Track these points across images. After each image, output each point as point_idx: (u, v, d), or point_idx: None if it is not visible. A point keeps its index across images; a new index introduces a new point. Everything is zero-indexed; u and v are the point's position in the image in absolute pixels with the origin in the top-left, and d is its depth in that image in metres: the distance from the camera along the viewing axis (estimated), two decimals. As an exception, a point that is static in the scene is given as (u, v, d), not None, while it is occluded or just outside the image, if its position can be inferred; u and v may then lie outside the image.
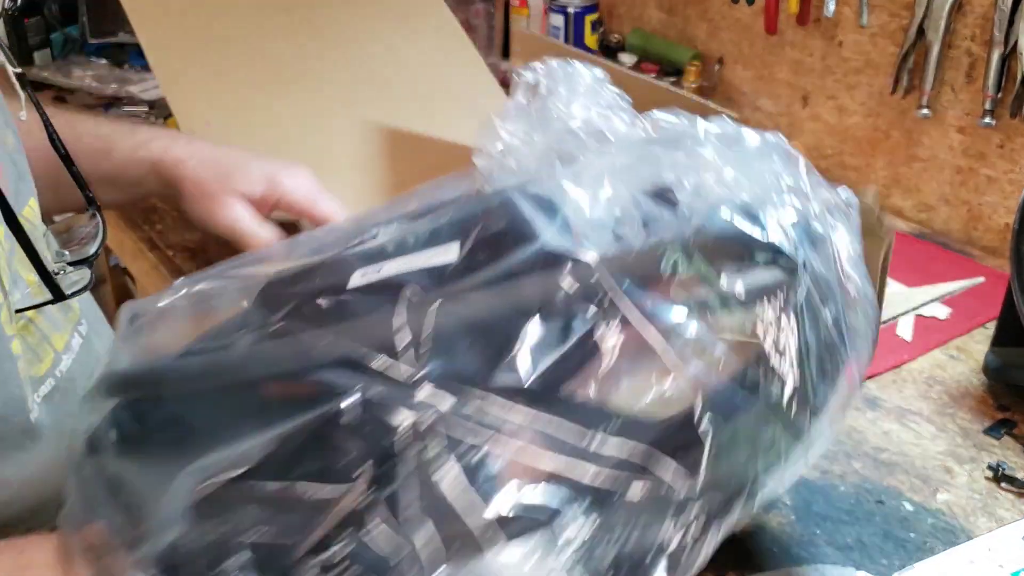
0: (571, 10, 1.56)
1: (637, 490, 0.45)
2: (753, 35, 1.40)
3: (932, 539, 0.72)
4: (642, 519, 0.45)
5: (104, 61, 1.58)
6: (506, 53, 1.68)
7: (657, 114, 0.60)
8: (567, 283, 0.47)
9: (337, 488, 0.43)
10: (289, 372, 0.46)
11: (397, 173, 1.06)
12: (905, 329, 0.99)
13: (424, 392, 0.44)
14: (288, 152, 1.03)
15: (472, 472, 0.43)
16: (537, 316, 0.46)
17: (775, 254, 0.50)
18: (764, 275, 0.50)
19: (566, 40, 1.56)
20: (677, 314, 0.47)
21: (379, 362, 0.45)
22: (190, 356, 0.50)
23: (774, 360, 0.49)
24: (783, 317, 0.49)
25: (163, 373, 0.50)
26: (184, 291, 0.53)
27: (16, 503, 0.62)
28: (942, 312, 1.02)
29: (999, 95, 1.10)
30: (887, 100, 1.23)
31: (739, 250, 0.50)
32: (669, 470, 0.45)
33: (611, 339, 0.46)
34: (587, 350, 0.46)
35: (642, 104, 0.87)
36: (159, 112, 1.40)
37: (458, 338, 0.46)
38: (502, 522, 0.43)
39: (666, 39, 1.55)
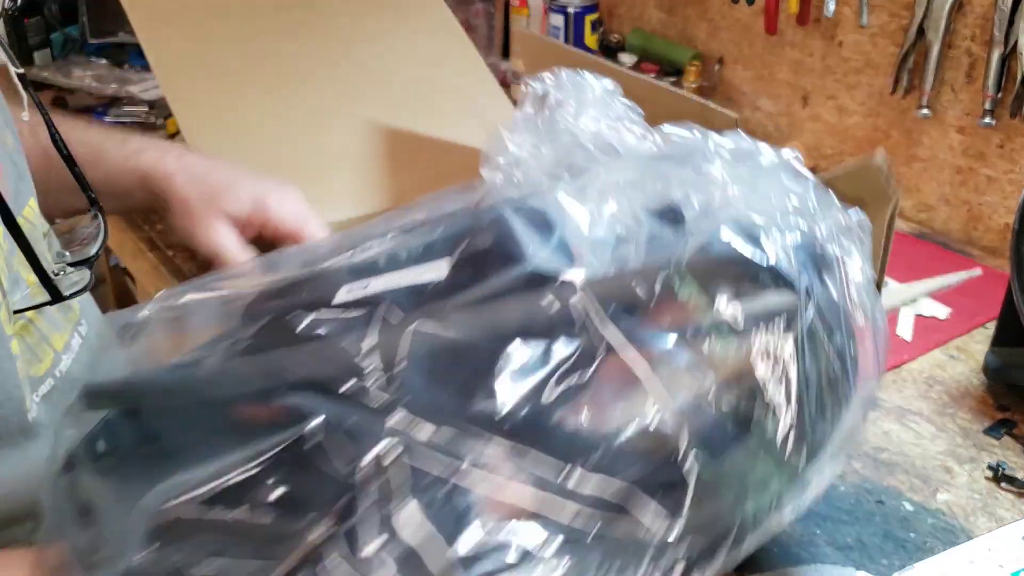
0: (571, 10, 1.56)
1: (614, 531, 0.42)
2: (753, 35, 1.40)
3: (932, 539, 0.72)
4: (617, 563, 0.43)
5: (104, 61, 1.58)
6: (506, 53, 1.68)
7: (669, 128, 0.58)
8: (550, 306, 0.45)
9: (295, 520, 0.41)
10: (258, 392, 0.45)
11: (397, 173, 1.06)
12: (905, 329, 0.99)
13: (393, 421, 0.42)
14: (288, 152, 1.04)
15: (437, 508, 0.41)
16: (517, 341, 0.44)
17: (776, 279, 0.48)
18: (763, 301, 0.48)
19: (566, 40, 1.56)
20: (666, 341, 0.45)
21: (349, 386, 0.43)
22: (170, 370, 0.49)
23: (770, 393, 0.46)
24: (781, 347, 0.47)
25: (139, 387, 0.49)
26: (168, 302, 0.52)
27: (12, 500, 0.62)
28: (942, 312, 1.02)
29: (999, 95, 1.10)
30: (887, 100, 1.23)
31: (738, 273, 0.48)
32: (649, 511, 0.43)
33: (594, 367, 0.44)
34: (568, 378, 0.44)
35: (642, 104, 0.87)
36: (159, 112, 1.40)
37: (433, 363, 0.44)
38: (466, 562, 0.41)
39: (666, 39, 1.55)
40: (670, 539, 0.43)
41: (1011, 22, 1.06)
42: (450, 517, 0.41)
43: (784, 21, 1.34)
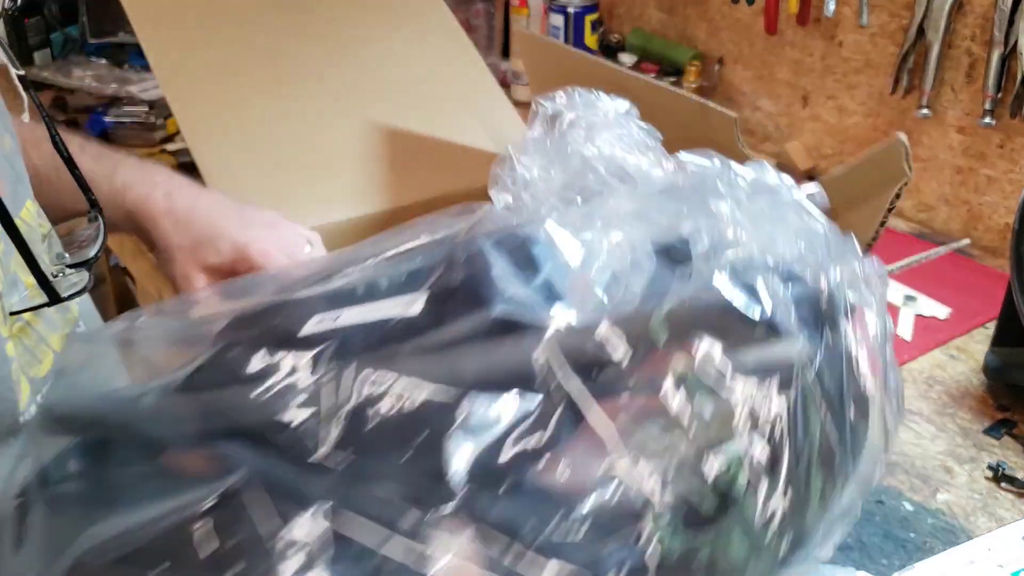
0: (571, 10, 1.56)
1: None
2: (753, 35, 1.40)
3: (932, 539, 0.72)
4: None
5: (104, 61, 1.58)
6: (506, 53, 1.68)
7: (686, 156, 0.54)
8: (513, 357, 0.41)
9: None
10: (193, 436, 0.43)
11: (397, 173, 1.06)
12: (905, 329, 0.99)
13: (325, 481, 0.39)
14: (288, 152, 1.04)
15: None
16: (472, 395, 0.40)
17: (772, 334, 0.44)
18: (754, 359, 0.43)
19: (566, 40, 1.56)
20: (638, 401, 0.41)
21: (285, 437, 0.40)
22: (118, 399, 0.47)
23: (753, 467, 0.41)
24: (771, 412, 0.42)
25: (86, 417, 0.47)
26: (134, 322, 0.50)
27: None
28: (942, 312, 1.02)
29: (999, 95, 1.10)
30: (887, 100, 1.23)
31: (730, 326, 0.44)
32: None
33: (551, 428, 0.40)
34: (525, 439, 0.40)
35: (642, 104, 0.86)
36: (159, 112, 1.40)
37: (380, 417, 0.41)
38: None
39: (666, 39, 1.55)
40: None
41: (1011, 22, 1.06)
42: None
43: (784, 21, 1.34)
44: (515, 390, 0.41)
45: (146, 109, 1.42)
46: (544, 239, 0.47)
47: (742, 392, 0.42)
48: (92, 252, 0.61)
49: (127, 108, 1.43)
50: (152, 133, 1.39)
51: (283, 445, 0.41)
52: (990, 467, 0.79)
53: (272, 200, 0.99)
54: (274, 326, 0.47)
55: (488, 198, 0.57)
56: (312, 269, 0.53)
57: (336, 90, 1.11)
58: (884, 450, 0.49)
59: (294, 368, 0.43)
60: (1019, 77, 1.07)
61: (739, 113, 1.34)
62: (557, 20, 1.57)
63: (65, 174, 0.63)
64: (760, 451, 0.42)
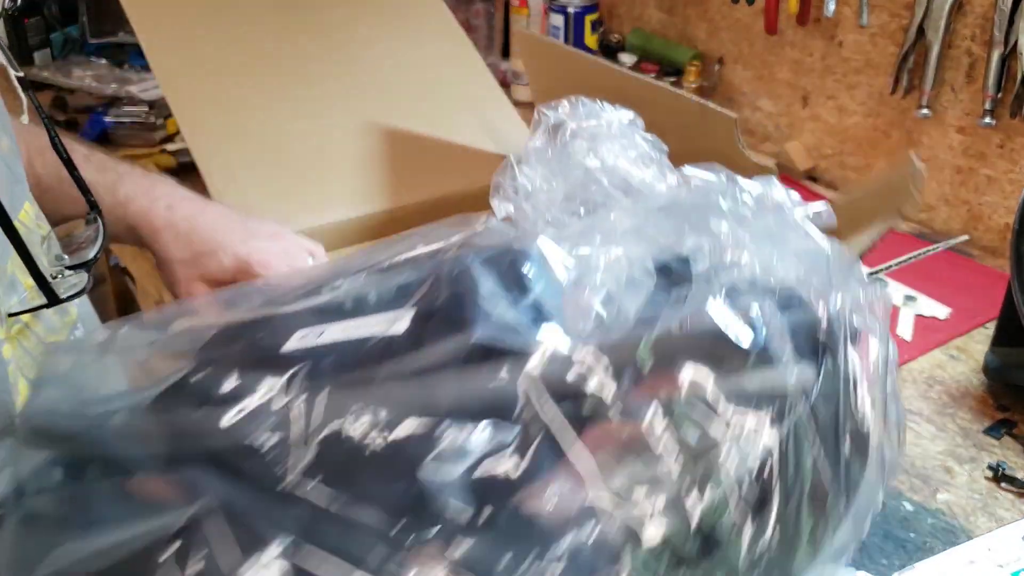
0: (571, 10, 1.56)
1: None
2: (753, 35, 1.40)
3: (932, 539, 0.72)
4: None
5: (104, 61, 1.58)
6: (506, 53, 1.68)
7: (691, 170, 0.53)
8: (491, 385, 0.40)
9: None
10: (161, 458, 0.42)
11: (397, 173, 1.06)
12: (905, 329, 0.99)
13: (291, 512, 0.38)
14: (288, 152, 1.04)
15: None
16: (446, 424, 0.39)
17: (764, 364, 0.42)
18: (744, 391, 0.41)
19: (566, 40, 1.56)
20: (619, 436, 0.39)
21: (252, 464, 0.39)
22: (92, 416, 0.46)
23: (739, 506, 0.39)
24: (761, 448, 0.40)
25: (60, 432, 0.46)
26: (116, 332, 0.49)
27: None
28: (942, 312, 1.02)
29: (999, 95, 1.10)
30: (887, 100, 1.23)
31: (722, 355, 0.42)
32: None
33: (527, 460, 0.38)
34: (500, 473, 0.39)
35: (642, 104, 0.86)
36: (159, 112, 1.40)
37: (350, 446, 0.39)
38: None
39: (666, 39, 1.55)
40: None
41: (1011, 22, 1.06)
42: None
43: (784, 21, 1.34)
44: (492, 421, 0.39)
45: (146, 109, 1.42)
46: (536, 256, 0.46)
47: (731, 426, 0.40)
48: (91, 253, 0.61)
49: (127, 108, 1.43)
50: (152, 133, 1.39)
51: (250, 471, 0.39)
52: (990, 467, 0.79)
53: (272, 200, 0.99)
54: (257, 340, 0.46)
55: (488, 199, 0.57)
56: (304, 279, 0.52)
57: (336, 90, 1.11)
58: (882, 487, 0.47)
59: (266, 391, 0.42)
60: (1019, 77, 1.07)
61: (739, 113, 1.34)
62: (557, 20, 1.57)
63: (68, 182, 0.63)
64: (748, 489, 0.40)
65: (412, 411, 0.40)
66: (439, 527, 0.38)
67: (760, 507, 0.40)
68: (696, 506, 0.39)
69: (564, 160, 0.54)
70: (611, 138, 0.54)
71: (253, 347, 0.46)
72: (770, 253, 0.46)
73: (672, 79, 1.49)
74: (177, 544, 0.38)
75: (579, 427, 0.39)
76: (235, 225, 0.80)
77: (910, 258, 1.01)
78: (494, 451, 0.39)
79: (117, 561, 0.39)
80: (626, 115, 0.57)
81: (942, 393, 0.89)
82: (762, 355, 0.42)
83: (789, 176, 1.33)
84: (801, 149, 1.36)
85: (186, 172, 1.19)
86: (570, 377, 0.40)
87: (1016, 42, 1.06)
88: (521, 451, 0.39)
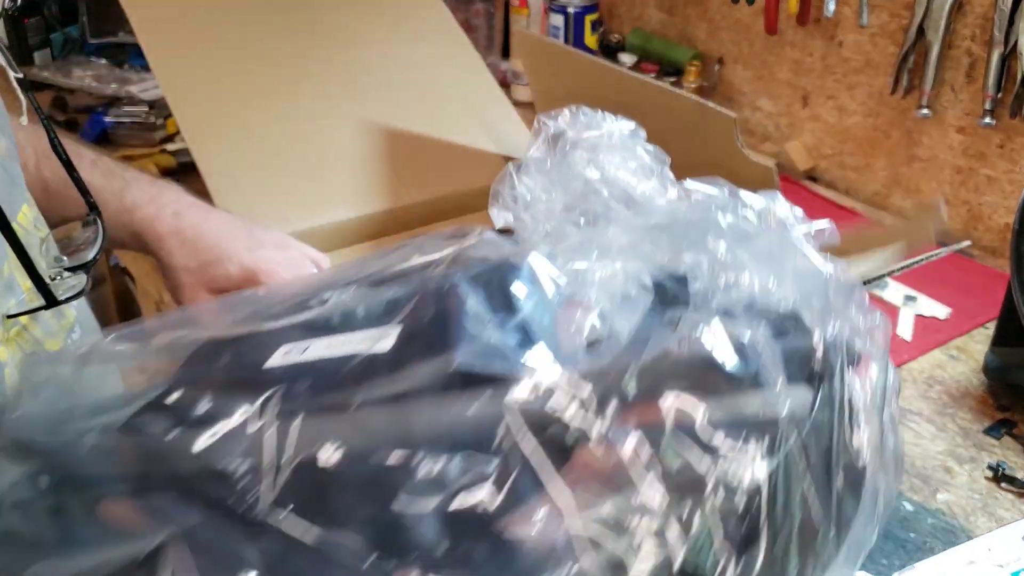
0: (571, 10, 1.56)
1: None
2: (753, 35, 1.40)
3: (932, 539, 0.72)
4: None
5: (104, 61, 1.58)
6: (506, 53, 1.68)
7: (692, 184, 0.52)
8: (468, 415, 0.38)
9: None
10: (131, 481, 0.41)
11: (396, 173, 1.06)
12: (905, 329, 0.99)
13: (259, 544, 0.37)
14: (288, 152, 1.04)
15: None
16: (420, 456, 0.38)
17: (754, 394, 0.40)
18: (733, 422, 0.39)
19: (566, 40, 1.56)
20: (600, 470, 0.37)
21: (218, 489, 0.38)
22: (68, 433, 0.45)
23: (723, 544, 0.38)
24: (748, 483, 0.38)
25: (37, 448, 0.45)
26: (98, 344, 0.48)
27: None
28: (942, 312, 1.02)
29: (999, 95, 1.10)
30: (887, 100, 1.23)
31: (710, 383, 0.40)
32: None
33: (502, 495, 0.37)
34: (475, 507, 0.37)
35: (642, 104, 0.86)
36: (159, 112, 1.40)
37: (321, 474, 0.38)
38: None
39: (666, 39, 1.55)
40: None
41: (1011, 22, 1.06)
42: None
43: (784, 21, 1.34)
44: (469, 452, 0.38)
45: (146, 109, 1.42)
46: (527, 274, 0.44)
47: (718, 459, 0.39)
48: (90, 255, 0.60)
49: (127, 108, 1.43)
50: (152, 133, 1.39)
51: (221, 499, 0.39)
52: (990, 467, 0.79)
53: (272, 200, 0.99)
54: (241, 355, 0.45)
55: (487, 199, 0.57)
56: (298, 289, 0.52)
57: (335, 90, 1.11)
58: (876, 523, 0.45)
59: (241, 415, 0.41)
60: (1019, 77, 1.07)
61: (739, 113, 1.34)
62: (557, 20, 1.57)
63: (68, 187, 0.63)
64: (734, 527, 0.38)
65: (388, 440, 0.39)
66: (413, 561, 0.37)
67: (746, 546, 0.39)
68: (679, 544, 0.37)
69: (564, 171, 0.53)
70: (612, 149, 0.53)
71: (236, 363, 0.45)
72: (769, 274, 0.45)
73: (672, 79, 1.49)
74: (142, 574, 0.37)
75: (561, 458, 0.38)
76: (241, 233, 0.79)
77: (914, 263, 1.01)
78: (471, 483, 0.38)
79: None
80: (627, 125, 0.55)
81: (942, 393, 0.89)
82: (754, 384, 0.41)
83: (789, 176, 1.33)
84: (801, 149, 1.36)
85: (186, 172, 1.19)
86: (553, 406, 0.39)
87: (1016, 42, 1.06)
88: (499, 483, 0.37)
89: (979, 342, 0.96)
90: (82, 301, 0.69)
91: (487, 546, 0.37)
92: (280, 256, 0.79)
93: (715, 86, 1.48)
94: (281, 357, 0.44)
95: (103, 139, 1.38)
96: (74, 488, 0.42)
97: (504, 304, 0.43)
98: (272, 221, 0.96)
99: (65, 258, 0.59)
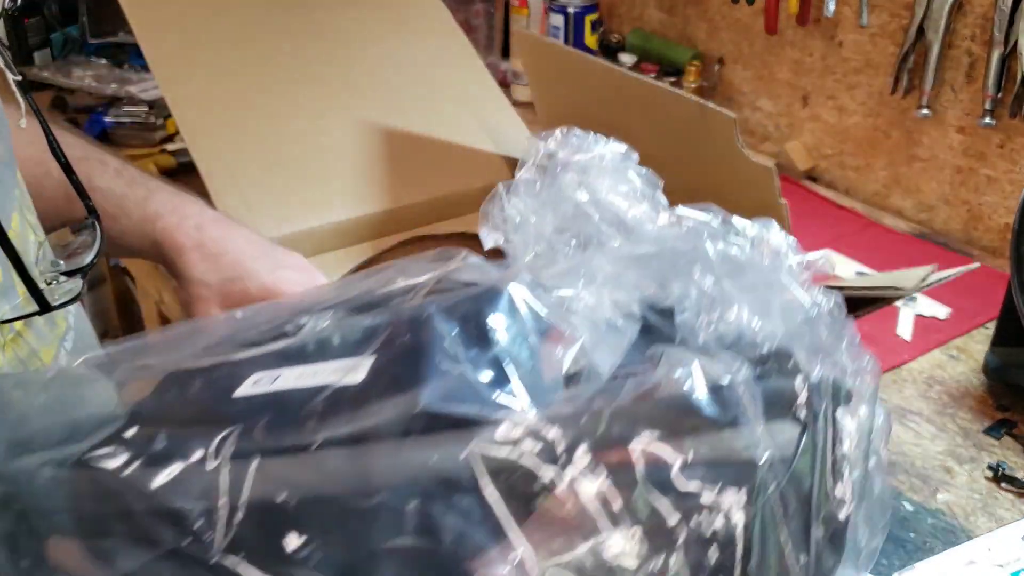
0: (571, 10, 1.56)
1: None
2: (753, 35, 1.40)
3: (932, 539, 0.72)
4: None
5: (104, 61, 1.58)
6: (506, 53, 1.68)
7: (684, 210, 0.50)
8: (431, 462, 0.37)
9: None
10: (75, 520, 0.40)
11: (395, 173, 1.06)
12: (905, 329, 0.99)
13: None
14: (287, 152, 1.04)
15: None
16: (381, 502, 0.36)
17: (735, 439, 0.39)
18: (712, 470, 0.38)
19: (566, 40, 1.56)
20: (566, 520, 0.36)
21: (170, 533, 0.37)
22: (20, 465, 0.43)
23: None
24: (722, 534, 0.37)
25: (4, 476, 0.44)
26: (71, 365, 0.48)
27: None
28: (942, 312, 1.02)
29: (999, 95, 1.10)
30: (887, 100, 1.23)
31: (691, 427, 0.39)
32: None
33: (469, 548, 0.36)
34: (434, 557, 0.36)
35: (642, 105, 0.86)
36: (159, 112, 1.40)
37: (277, 518, 0.37)
38: None
39: (666, 39, 1.55)
40: None
41: (1011, 22, 1.06)
42: None
43: (784, 21, 1.34)
44: (429, 499, 0.37)
45: (146, 109, 1.42)
46: (506, 305, 0.42)
47: (691, 510, 0.37)
48: (88, 259, 0.60)
49: (127, 108, 1.43)
50: (152, 133, 1.39)
51: (169, 540, 0.38)
52: (990, 467, 0.79)
53: (272, 200, 0.99)
54: (210, 383, 0.44)
55: (485, 199, 0.56)
56: (271, 314, 0.50)
57: (334, 90, 1.11)
58: (858, 571, 0.44)
59: (198, 453, 0.40)
60: (1019, 77, 1.07)
61: (739, 113, 1.34)
62: (557, 20, 1.57)
63: (92, 193, 0.62)
64: None
65: (346, 484, 0.37)
66: None
67: None
68: None
69: (554, 193, 0.52)
70: (603, 172, 0.52)
71: (205, 391, 0.44)
72: (757, 309, 0.44)
73: (672, 79, 1.49)
74: None
75: (526, 507, 0.37)
76: (263, 252, 0.79)
77: (944, 277, 1.00)
78: (430, 531, 0.36)
79: None
80: (619, 148, 0.54)
81: (942, 393, 0.89)
82: (733, 430, 0.39)
83: (789, 176, 1.33)
84: (801, 149, 1.36)
85: (186, 172, 1.19)
86: (519, 452, 0.37)
87: (1016, 42, 1.06)
88: (460, 532, 0.36)
89: (979, 342, 0.96)
90: (80, 308, 0.69)
91: None
92: (300, 277, 0.78)
93: (715, 86, 1.48)
94: (251, 386, 0.43)
95: (103, 139, 1.38)
96: (26, 523, 0.41)
97: (480, 337, 0.41)
98: (272, 221, 0.96)
99: (62, 262, 0.59)
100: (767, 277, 0.46)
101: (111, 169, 0.79)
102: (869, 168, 1.29)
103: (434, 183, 1.06)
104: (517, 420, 0.38)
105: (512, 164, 1.05)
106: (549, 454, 0.37)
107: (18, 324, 0.60)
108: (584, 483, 0.37)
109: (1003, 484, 0.77)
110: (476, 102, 1.16)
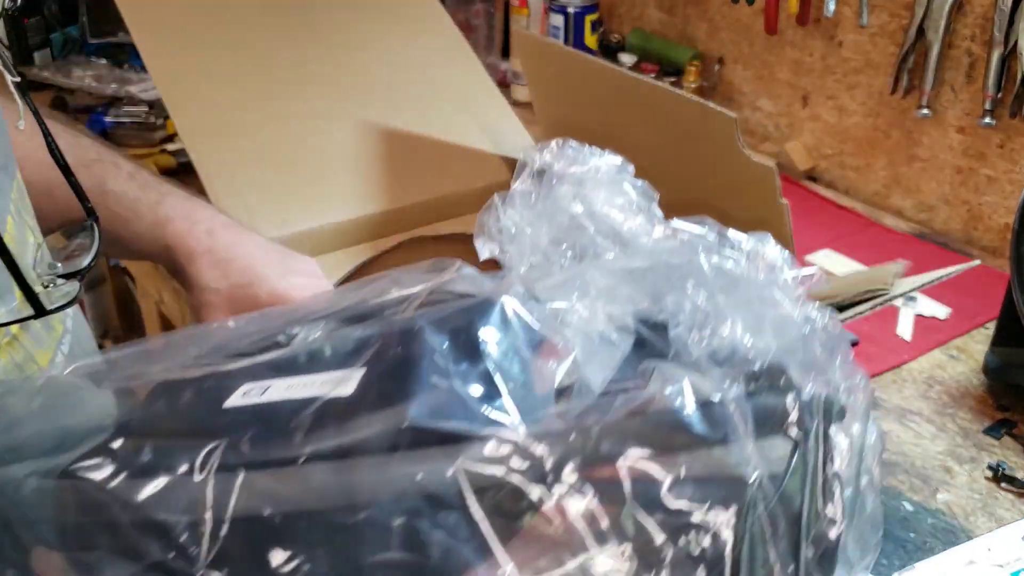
0: (571, 10, 1.56)
1: None
2: (753, 35, 1.40)
3: (932, 539, 0.72)
4: None
5: (104, 61, 1.58)
6: (506, 53, 1.68)
7: (679, 223, 0.50)
8: (417, 479, 0.36)
9: None
10: (59, 532, 0.39)
11: (395, 174, 1.06)
12: (905, 329, 0.99)
13: None
14: (286, 153, 1.04)
15: None
16: (365, 518, 0.36)
17: (725, 458, 0.39)
18: (701, 488, 0.38)
19: (566, 40, 1.56)
20: (553, 540, 0.36)
21: (155, 547, 0.37)
22: (5, 476, 0.43)
23: None
24: (710, 554, 0.37)
25: None
26: (60, 373, 0.47)
27: None
28: (942, 312, 1.02)
29: (999, 95, 1.10)
30: (887, 100, 1.23)
31: (681, 445, 0.39)
32: None
33: (454, 567, 0.36)
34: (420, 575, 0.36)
35: (641, 105, 0.86)
36: (159, 112, 1.40)
37: (264, 536, 0.36)
38: None
39: (666, 39, 1.55)
40: None
41: (1011, 22, 1.06)
42: None
43: (784, 21, 1.34)
44: (414, 517, 0.36)
45: (146, 109, 1.42)
46: (498, 318, 0.42)
47: (679, 529, 0.37)
48: (86, 261, 0.60)
49: (127, 108, 1.43)
50: (152, 133, 1.39)
51: (153, 554, 0.37)
52: (990, 467, 0.79)
53: (271, 200, 0.99)
54: (200, 393, 0.44)
55: (485, 199, 0.56)
56: (263, 324, 0.50)
57: (333, 91, 1.11)
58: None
59: (184, 465, 0.39)
60: (1019, 77, 1.07)
61: (739, 113, 1.34)
62: (557, 20, 1.57)
63: (104, 196, 0.62)
64: None
65: (332, 499, 0.37)
66: None
67: None
68: None
69: (549, 205, 0.52)
70: (598, 184, 0.52)
71: (195, 402, 0.44)
72: (750, 324, 0.44)
73: (672, 79, 1.48)
74: None
75: (512, 525, 0.36)
76: (274, 259, 0.78)
77: (941, 276, 1.00)
78: (416, 548, 0.36)
79: None
80: (614, 160, 0.54)
81: (942, 393, 0.89)
82: (722, 448, 0.39)
83: (789, 176, 1.33)
84: (801, 149, 1.36)
85: (186, 172, 1.19)
86: (507, 470, 0.37)
87: (1016, 42, 1.06)
88: (446, 549, 0.36)
89: (979, 342, 0.96)
90: (77, 311, 0.69)
91: None
92: (310, 283, 0.78)
93: (715, 86, 1.48)
94: (240, 398, 0.43)
95: (103, 139, 1.38)
96: (10, 533, 0.41)
97: (470, 351, 0.41)
98: (271, 222, 0.96)
99: (59, 265, 0.58)
100: (761, 292, 0.46)
101: (124, 172, 0.79)
102: (869, 168, 1.29)
103: (433, 184, 1.06)
104: (505, 437, 0.38)
105: (511, 165, 1.05)
106: (537, 472, 0.37)
107: (14, 328, 0.59)
108: (572, 501, 0.37)
109: (1003, 484, 0.77)
110: (475, 103, 1.16)
